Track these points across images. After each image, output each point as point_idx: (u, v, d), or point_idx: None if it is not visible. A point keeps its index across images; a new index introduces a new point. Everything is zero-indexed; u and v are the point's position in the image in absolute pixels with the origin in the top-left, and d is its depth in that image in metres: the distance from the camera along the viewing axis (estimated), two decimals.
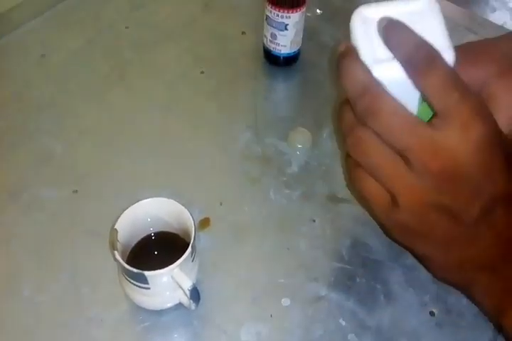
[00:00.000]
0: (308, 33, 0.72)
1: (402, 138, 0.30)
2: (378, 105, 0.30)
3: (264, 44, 0.72)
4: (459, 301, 0.51)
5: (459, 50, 0.41)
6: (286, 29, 0.67)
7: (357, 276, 0.53)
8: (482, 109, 0.30)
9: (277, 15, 0.66)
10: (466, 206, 0.31)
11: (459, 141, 0.29)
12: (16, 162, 0.62)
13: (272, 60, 0.73)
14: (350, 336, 0.50)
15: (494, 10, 0.88)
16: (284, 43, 0.69)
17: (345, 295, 0.52)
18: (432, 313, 0.51)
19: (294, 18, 0.66)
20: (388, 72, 0.31)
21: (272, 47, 0.71)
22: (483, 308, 0.40)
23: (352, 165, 0.34)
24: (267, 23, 0.68)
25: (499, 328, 0.38)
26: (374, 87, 0.30)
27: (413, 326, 0.50)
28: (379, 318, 0.51)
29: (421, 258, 0.39)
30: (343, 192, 0.60)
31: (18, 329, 0.50)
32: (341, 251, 0.55)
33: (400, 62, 0.30)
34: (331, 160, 0.63)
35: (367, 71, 0.30)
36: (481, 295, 0.38)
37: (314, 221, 0.58)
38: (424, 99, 0.31)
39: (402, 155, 0.31)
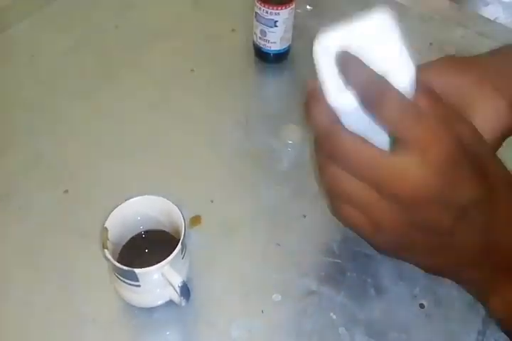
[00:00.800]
0: (298, 29, 0.72)
1: (367, 173, 0.32)
2: (339, 147, 0.32)
3: (253, 41, 0.72)
4: (449, 293, 0.52)
5: (440, 62, 0.43)
6: (275, 26, 0.68)
7: (347, 270, 0.54)
8: (439, 128, 0.31)
9: (266, 12, 0.66)
10: (438, 220, 0.33)
11: (419, 166, 0.31)
12: (6, 163, 0.62)
13: (262, 57, 0.73)
14: (341, 329, 0.50)
15: (487, 4, 0.89)
16: (274, 40, 0.70)
17: (336, 289, 0.53)
18: (421, 305, 0.52)
19: (283, 15, 0.67)
20: (353, 102, 0.32)
21: (261, 44, 0.71)
22: (472, 294, 0.42)
23: (331, 196, 0.37)
24: (257, 20, 0.68)
25: (488, 311, 0.41)
26: (334, 130, 0.33)
27: (403, 318, 0.51)
28: (369, 311, 0.51)
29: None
30: None
31: (10, 330, 0.50)
32: (332, 245, 0.56)
33: (356, 97, 0.32)
34: None
35: (328, 114, 0.33)
36: (468, 284, 0.41)
37: (305, 216, 0.58)
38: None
39: (372, 186, 0.33)
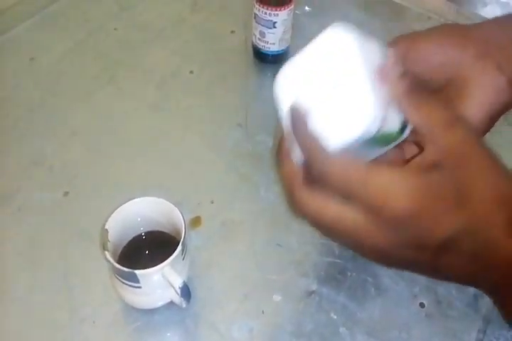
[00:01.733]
0: (297, 30, 0.72)
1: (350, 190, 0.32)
2: (328, 170, 0.33)
3: (253, 42, 0.72)
4: (449, 292, 0.52)
5: (439, 31, 0.42)
6: (274, 27, 0.68)
7: (347, 270, 0.54)
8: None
9: (265, 13, 0.66)
10: (426, 235, 0.32)
11: (397, 197, 0.31)
12: (7, 164, 0.62)
13: (261, 58, 0.73)
14: (342, 329, 0.50)
15: (485, 4, 0.88)
16: (273, 41, 0.70)
17: (336, 289, 0.53)
18: (421, 305, 0.52)
19: (282, 16, 0.67)
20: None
21: (260, 45, 0.71)
22: (484, 293, 0.40)
23: (316, 226, 0.36)
24: (256, 21, 0.69)
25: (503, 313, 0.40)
26: (318, 152, 0.33)
27: (403, 318, 0.51)
28: (370, 311, 0.51)
29: None
30: None
31: (10, 330, 0.50)
32: (332, 246, 0.56)
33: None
34: None
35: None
36: (477, 287, 0.38)
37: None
38: None
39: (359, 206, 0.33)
